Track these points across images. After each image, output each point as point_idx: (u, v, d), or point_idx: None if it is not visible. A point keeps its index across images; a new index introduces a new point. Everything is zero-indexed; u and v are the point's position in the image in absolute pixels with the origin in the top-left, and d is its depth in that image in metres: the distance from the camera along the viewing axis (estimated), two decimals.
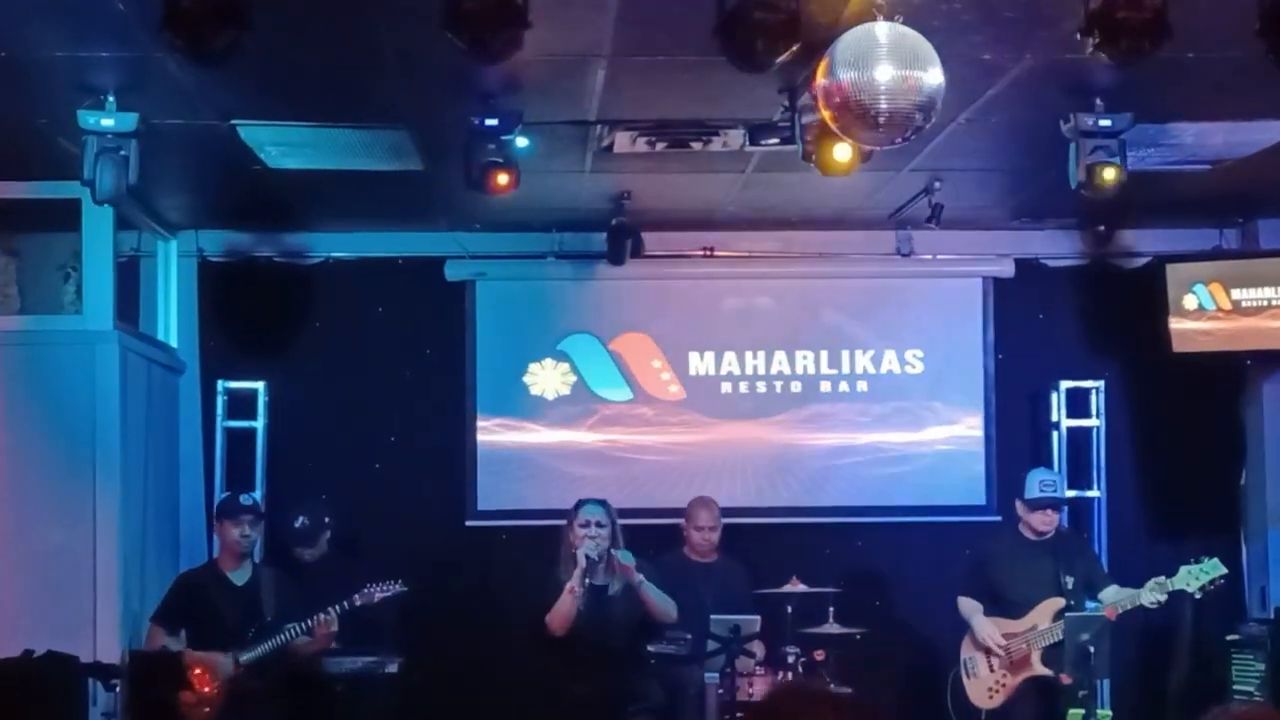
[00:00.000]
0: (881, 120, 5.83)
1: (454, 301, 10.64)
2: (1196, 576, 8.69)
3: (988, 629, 8.97)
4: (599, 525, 8.45)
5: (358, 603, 8.60)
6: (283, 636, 8.47)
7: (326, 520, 9.64)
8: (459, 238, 10.50)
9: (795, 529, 10.48)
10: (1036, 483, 9.15)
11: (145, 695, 8.37)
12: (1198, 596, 8.79)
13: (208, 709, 8.38)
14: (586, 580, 8.36)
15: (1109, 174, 7.39)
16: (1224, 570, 8.76)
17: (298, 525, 9.55)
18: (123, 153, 7.24)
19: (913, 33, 5.83)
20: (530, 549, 9.96)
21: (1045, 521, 9.11)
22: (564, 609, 8.32)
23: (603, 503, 8.65)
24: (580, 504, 8.64)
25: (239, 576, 8.77)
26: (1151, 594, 8.66)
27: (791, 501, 10.67)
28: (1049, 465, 10.33)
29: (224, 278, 10.49)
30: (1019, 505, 9.20)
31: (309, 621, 8.49)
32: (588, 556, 8.34)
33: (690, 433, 10.70)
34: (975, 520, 10.41)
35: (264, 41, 5.96)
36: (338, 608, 8.54)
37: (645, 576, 8.52)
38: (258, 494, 10.27)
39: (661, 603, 8.48)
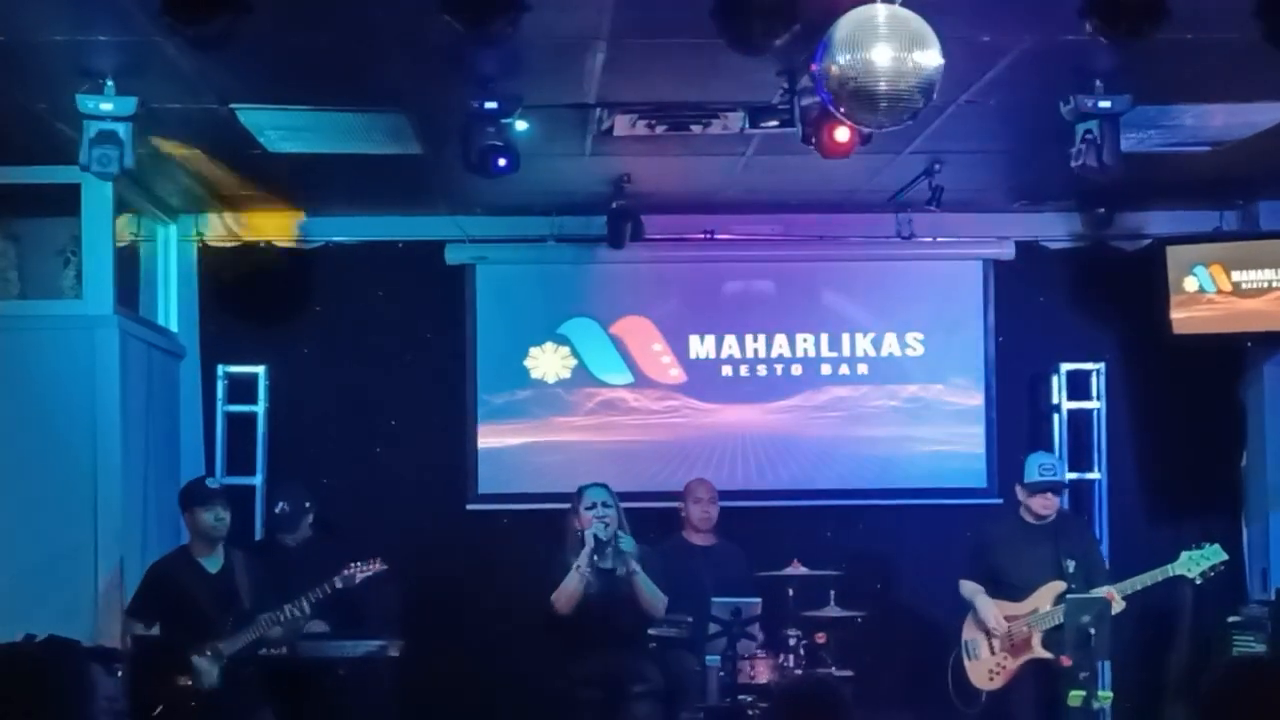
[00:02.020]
0: (881, 102, 5.83)
1: (454, 285, 10.63)
2: (1197, 562, 8.71)
3: (990, 610, 8.97)
4: (605, 506, 8.49)
5: (339, 585, 8.54)
6: (259, 627, 8.41)
7: (307, 505, 9.54)
8: (459, 221, 10.49)
9: (796, 512, 10.49)
10: (1036, 466, 9.15)
11: (142, 681, 8.37)
12: (1198, 582, 8.80)
13: (193, 704, 8.29)
14: (594, 560, 8.37)
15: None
16: (1225, 556, 8.77)
17: (278, 511, 9.44)
18: (121, 137, 7.25)
19: (912, 14, 5.83)
20: (531, 532, 9.98)
21: (1045, 505, 9.11)
22: (571, 588, 8.33)
23: (605, 486, 8.70)
24: (584, 488, 8.68)
25: (212, 563, 8.59)
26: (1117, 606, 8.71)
27: (792, 484, 10.67)
28: (1049, 448, 10.33)
29: (224, 262, 10.48)
30: (1019, 489, 9.20)
31: (281, 612, 8.42)
32: (596, 537, 8.35)
33: (690, 416, 10.71)
34: (976, 503, 10.42)
35: (263, 25, 5.96)
36: (315, 594, 8.46)
37: (647, 563, 8.53)
38: (257, 479, 10.31)
39: (651, 594, 8.48)
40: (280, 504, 9.46)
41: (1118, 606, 8.65)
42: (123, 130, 7.26)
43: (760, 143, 8.54)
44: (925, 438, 10.72)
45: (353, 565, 8.61)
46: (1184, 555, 8.75)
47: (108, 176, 7.60)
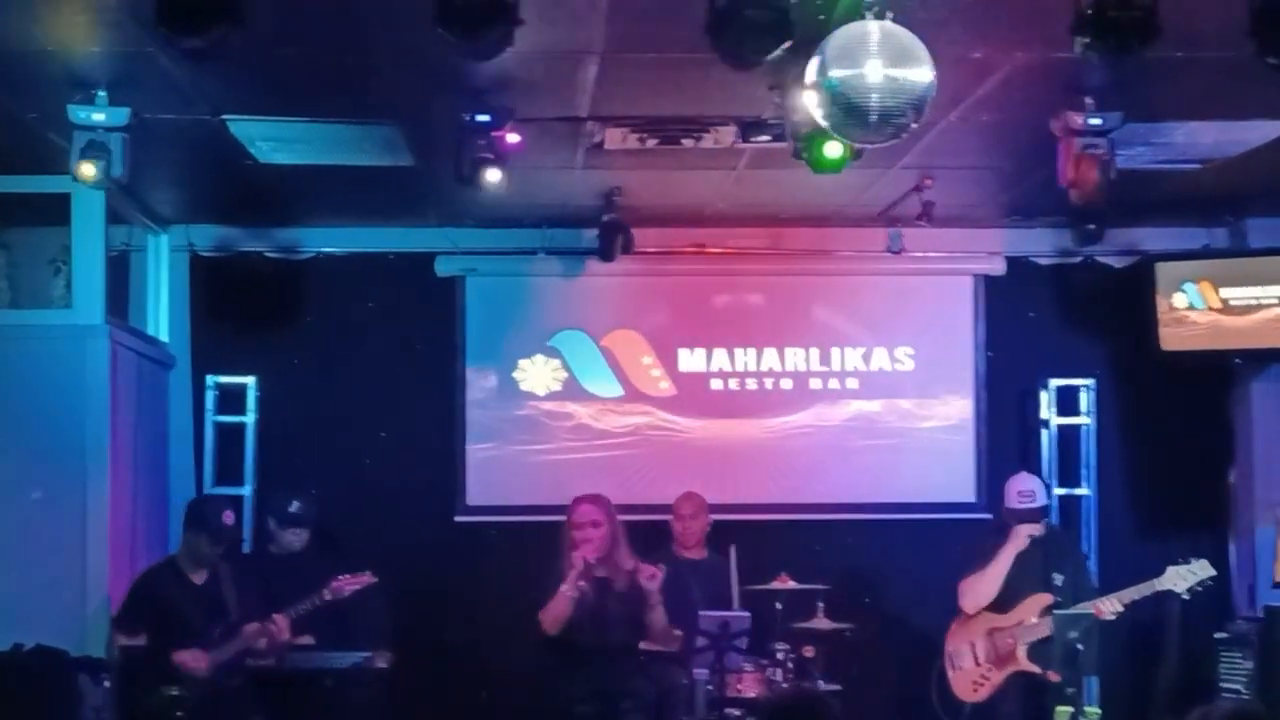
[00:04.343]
0: (872, 118, 5.84)
1: (444, 297, 10.65)
2: (1184, 577, 8.69)
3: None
4: (594, 526, 8.26)
5: (328, 598, 8.54)
6: (246, 638, 8.38)
7: (314, 507, 9.53)
8: (449, 233, 10.50)
9: (785, 525, 10.48)
10: (1014, 493, 9.14)
11: (129, 691, 8.36)
12: (1186, 598, 8.79)
13: (180, 713, 8.27)
14: (581, 584, 8.23)
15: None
16: (1212, 572, 8.76)
17: (293, 509, 9.37)
18: (111, 147, 7.25)
19: (904, 30, 5.83)
20: (519, 545, 9.97)
21: (1029, 530, 9.10)
22: (558, 611, 8.18)
23: (597, 501, 8.41)
24: (576, 502, 8.42)
25: (199, 575, 8.56)
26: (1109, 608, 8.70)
27: (781, 498, 10.68)
28: (1038, 464, 10.36)
29: (215, 272, 10.48)
30: (1004, 512, 9.20)
31: (265, 623, 8.40)
32: (585, 561, 8.26)
33: (680, 429, 10.72)
34: (964, 518, 10.43)
35: (256, 37, 5.96)
36: (303, 607, 8.45)
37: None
38: (246, 489, 10.30)
39: (664, 630, 8.39)
40: (295, 503, 9.37)
41: (1108, 615, 8.66)
42: (114, 141, 7.27)
43: (751, 157, 8.56)
44: (914, 452, 10.74)
45: (341, 578, 8.60)
46: (1170, 570, 8.73)
47: (99, 186, 7.61)
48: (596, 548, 8.21)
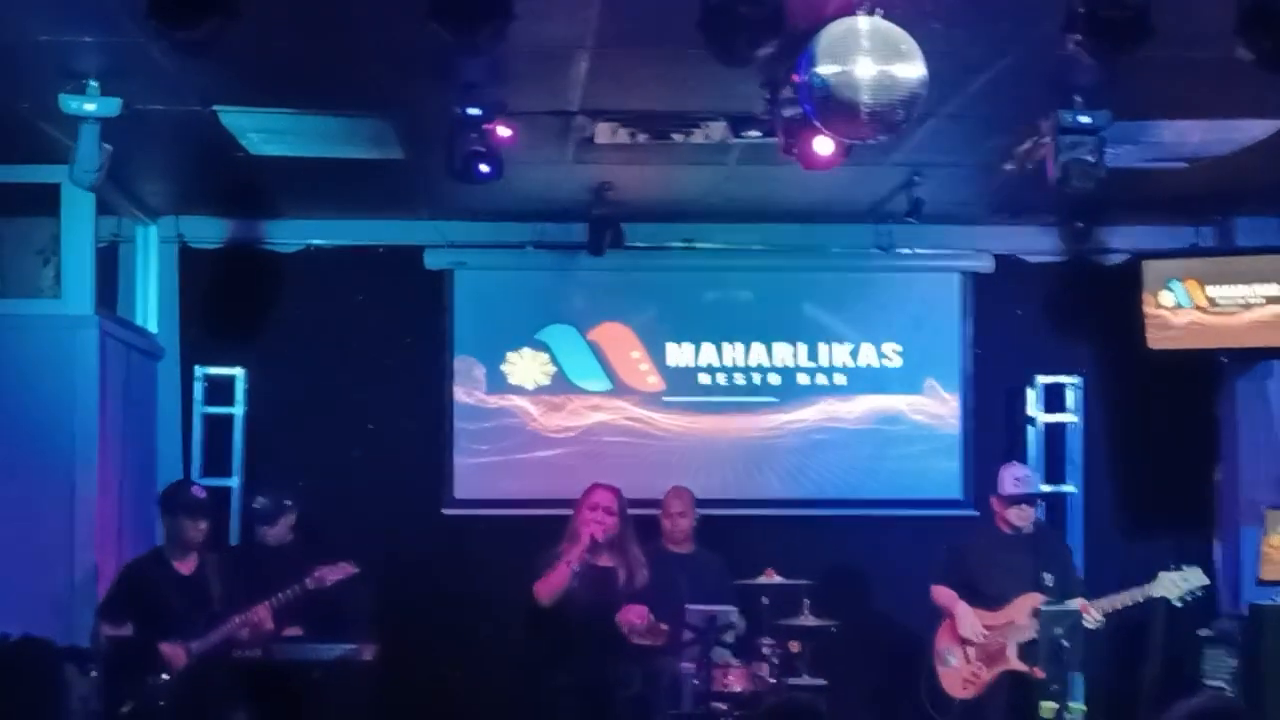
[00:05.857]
0: (863, 115, 5.86)
1: (433, 290, 10.65)
2: (1177, 585, 8.68)
3: (969, 618, 8.98)
4: (607, 512, 8.57)
5: (309, 587, 8.55)
6: (230, 628, 8.41)
7: (287, 503, 9.44)
8: (439, 226, 10.50)
9: (772, 521, 10.50)
10: (1010, 479, 9.17)
11: (115, 681, 8.36)
12: (1178, 605, 8.79)
13: (162, 703, 8.27)
14: (586, 559, 8.39)
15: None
16: (1205, 581, 8.74)
17: (255, 505, 9.42)
18: (100, 139, 7.27)
19: (895, 27, 5.86)
20: (506, 538, 9.98)
21: (1020, 516, 9.12)
22: (556, 579, 8.33)
23: (615, 491, 8.74)
24: (593, 488, 8.75)
25: (186, 565, 8.55)
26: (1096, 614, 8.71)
27: (768, 493, 10.70)
28: (1024, 460, 10.37)
29: (204, 264, 10.48)
30: (994, 500, 9.22)
31: (247, 613, 8.41)
32: (593, 537, 8.42)
33: (668, 424, 10.73)
34: (951, 514, 10.45)
35: (248, 28, 5.96)
36: (285, 596, 8.48)
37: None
38: (234, 481, 10.30)
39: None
40: (259, 499, 9.42)
41: (1093, 623, 8.67)
42: (87, 133, 7.28)
43: (742, 153, 8.56)
44: (901, 448, 10.76)
45: (322, 568, 8.61)
46: (1163, 576, 8.72)
47: (89, 183, 7.62)
48: (605, 530, 8.46)
